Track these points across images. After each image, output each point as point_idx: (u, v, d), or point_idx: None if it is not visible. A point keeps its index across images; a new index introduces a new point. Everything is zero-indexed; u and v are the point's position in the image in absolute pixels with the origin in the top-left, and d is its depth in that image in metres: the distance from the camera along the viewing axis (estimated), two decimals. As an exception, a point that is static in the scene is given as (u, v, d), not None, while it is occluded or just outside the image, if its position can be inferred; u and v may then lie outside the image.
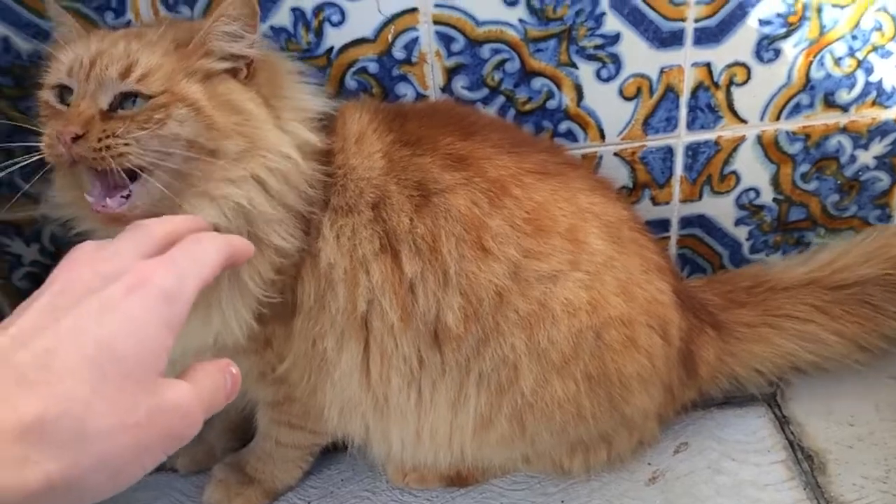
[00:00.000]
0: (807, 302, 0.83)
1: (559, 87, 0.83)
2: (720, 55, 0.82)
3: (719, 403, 0.88)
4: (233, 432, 0.91)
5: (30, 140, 0.61)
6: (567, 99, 0.84)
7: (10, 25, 0.76)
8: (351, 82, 0.82)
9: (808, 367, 0.85)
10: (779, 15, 0.80)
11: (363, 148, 0.71)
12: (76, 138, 0.59)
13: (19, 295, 0.93)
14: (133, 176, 0.61)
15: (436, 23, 0.79)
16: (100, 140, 0.59)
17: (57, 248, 0.90)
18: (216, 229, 0.62)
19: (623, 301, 0.71)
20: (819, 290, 0.83)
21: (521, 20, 0.79)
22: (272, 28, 0.78)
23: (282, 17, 0.77)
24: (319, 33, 0.79)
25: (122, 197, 0.61)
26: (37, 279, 0.92)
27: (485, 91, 0.83)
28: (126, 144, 0.59)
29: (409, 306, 0.68)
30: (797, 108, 0.85)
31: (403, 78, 0.82)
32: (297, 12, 0.77)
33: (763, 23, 0.80)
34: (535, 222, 0.70)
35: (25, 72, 0.79)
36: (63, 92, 0.63)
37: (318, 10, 0.77)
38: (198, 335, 0.67)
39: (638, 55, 0.82)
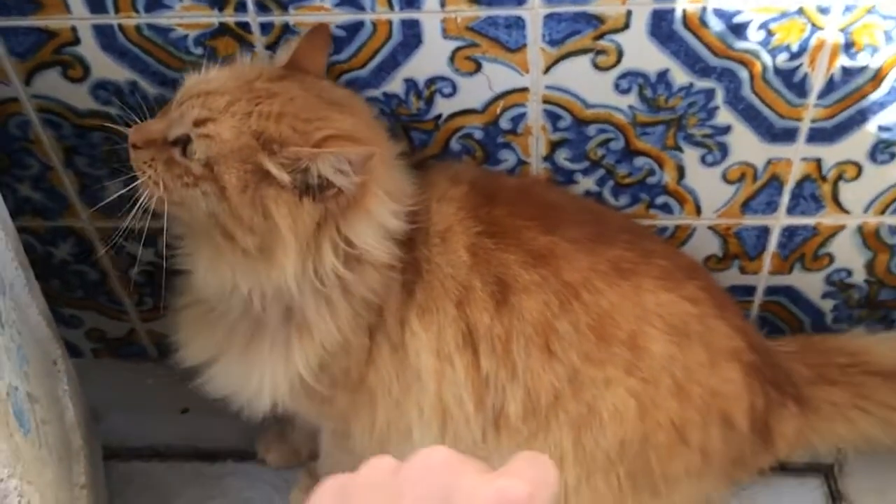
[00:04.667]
0: None
1: (661, 166, 0.83)
2: (832, 153, 0.80)
3: (778, 468, 0.92)
4: (315, 437, 1.00)
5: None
6: (668, 177, 0.84)
7: (139, 72, 0.80)
8: (455, 145, 0.83)
9: (882, 449, 0.86)
10: (902, 123, 0.77)
11: (449, 245, 0.74)
12: (135, 147, 0.67)
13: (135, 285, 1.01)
14: None
15: (545, 102, 0.79)
16: (144, 163, 0.67)
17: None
18: None
19: (677, 403, 0.74)
20: None
21: (630, 106, 0.78)
22: (385, 94, 0.80)
23: (395, 86, 0.79)
24: (430, 102, 0.80)
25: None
26: (150, 275, 0.99)
27: (586, 164, 0.84)
28: (155, 183, 0.66)
29: (482, 396, 0.74)
30: (905, 206, 0.84)
31: (507, 146, 0.83)
32: (410, 83, 0.78)
33: (883, 129, 0.77)
34: (599, 330, 0.73)
35: (150, 111, 0.83)
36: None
37: (431, 82, 0.78)
38: (235, 388, 0.75)
39: (747, 146, 0.81)
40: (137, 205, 0.68)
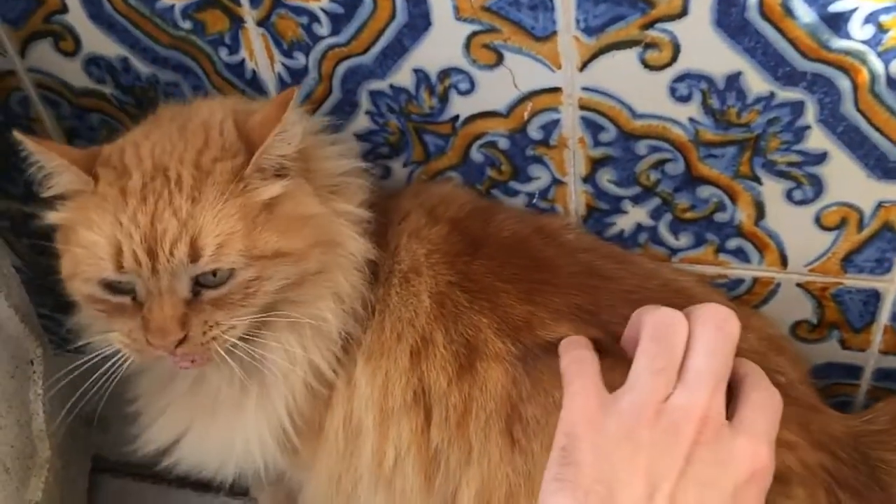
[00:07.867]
0: None
1: (734, 200, 0.65)
2: (972, 200, 0.59)
3: None
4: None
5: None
6: (742, 215, 0.66)
7: (129, 47, 0.72)
8: (477, 155, 0.69)
9: None
10: None
11: (411, 287, 0.62)
12: (180, 342, 0.55)
13: None
14: None
15: (582, 107, 0.63)
16: (205, 334, 0.55)
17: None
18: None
19: None
20: None
21: (692, 119, 0.61)
22: (392, 87, 0.67)
23: (403, 78, 0.66)
24: (444, 100, 0.66)
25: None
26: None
27: (637, 189, 0.67)
28: (232, 328, 0.56)
29: (431, 474, 0.60)
30: None
31: (539, 160, 0.68)
32: (420, 74, 0.65)
33: None
34: None
35: (144, 93, 0.75)
36: (113, 285, 0.57)
37: (444, 74, 0.64)
38: (216, 458, 0.62)
39: (849, 182, 0.61)
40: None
